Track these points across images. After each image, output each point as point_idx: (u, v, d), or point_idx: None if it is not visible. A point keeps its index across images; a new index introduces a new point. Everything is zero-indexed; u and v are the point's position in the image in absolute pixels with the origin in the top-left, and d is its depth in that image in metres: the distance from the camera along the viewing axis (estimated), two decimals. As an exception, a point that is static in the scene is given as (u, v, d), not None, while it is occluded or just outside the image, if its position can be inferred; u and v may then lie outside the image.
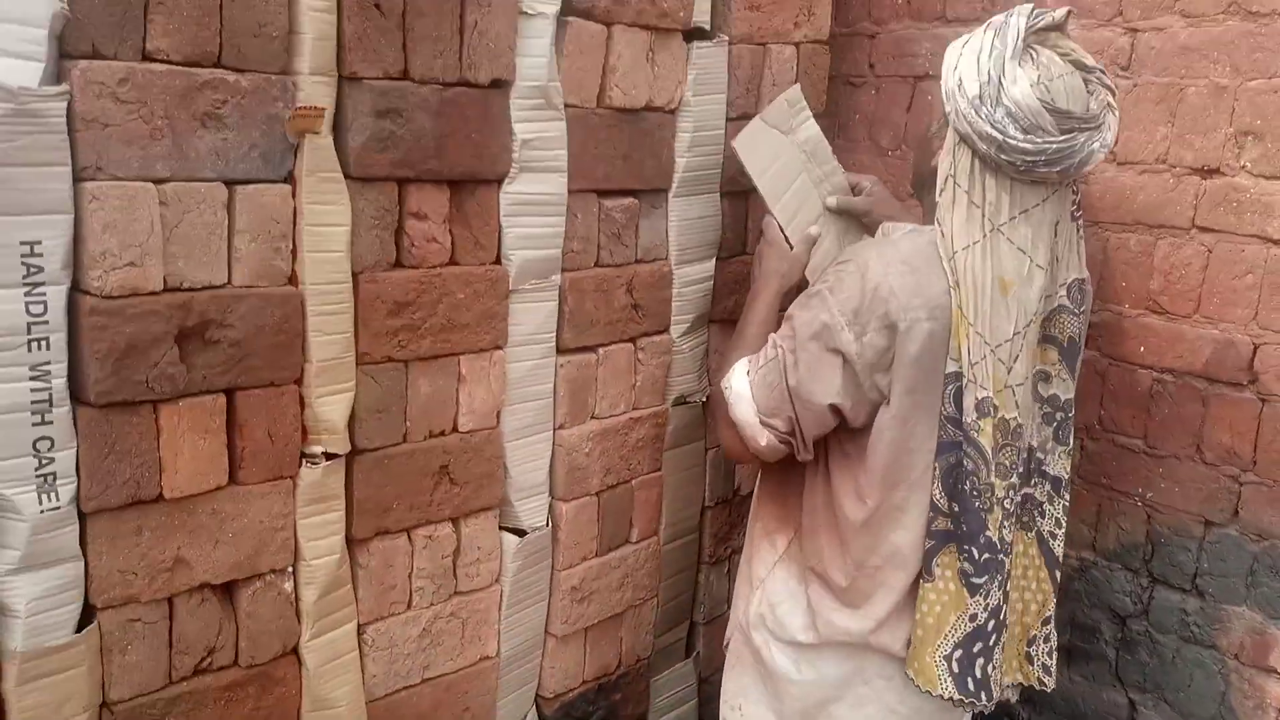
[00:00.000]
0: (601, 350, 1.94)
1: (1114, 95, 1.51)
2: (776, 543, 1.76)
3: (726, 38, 1.97)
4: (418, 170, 1.57)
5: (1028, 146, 1.42)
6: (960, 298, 1.47)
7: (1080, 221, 1.58)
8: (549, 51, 1.68)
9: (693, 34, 1.93)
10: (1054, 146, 1.42)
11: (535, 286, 1.79)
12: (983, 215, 1.48)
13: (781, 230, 1.85)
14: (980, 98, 1.44)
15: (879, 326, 1.50)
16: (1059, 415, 1.63)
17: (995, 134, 1.43)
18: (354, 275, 1.53)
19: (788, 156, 1.88)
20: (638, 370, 2.01)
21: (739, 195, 2.12)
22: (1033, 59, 1.44)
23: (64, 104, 1.19)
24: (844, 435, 1.60)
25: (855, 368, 1.52)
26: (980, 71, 1.45)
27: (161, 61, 1.28)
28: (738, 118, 2.03)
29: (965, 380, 1.49)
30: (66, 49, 1.20)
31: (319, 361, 1.50)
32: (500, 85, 1.64)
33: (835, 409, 1.56)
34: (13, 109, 1.14)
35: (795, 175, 1.87)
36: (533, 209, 1.74)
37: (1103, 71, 1.50)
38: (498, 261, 1.73)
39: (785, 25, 2.04)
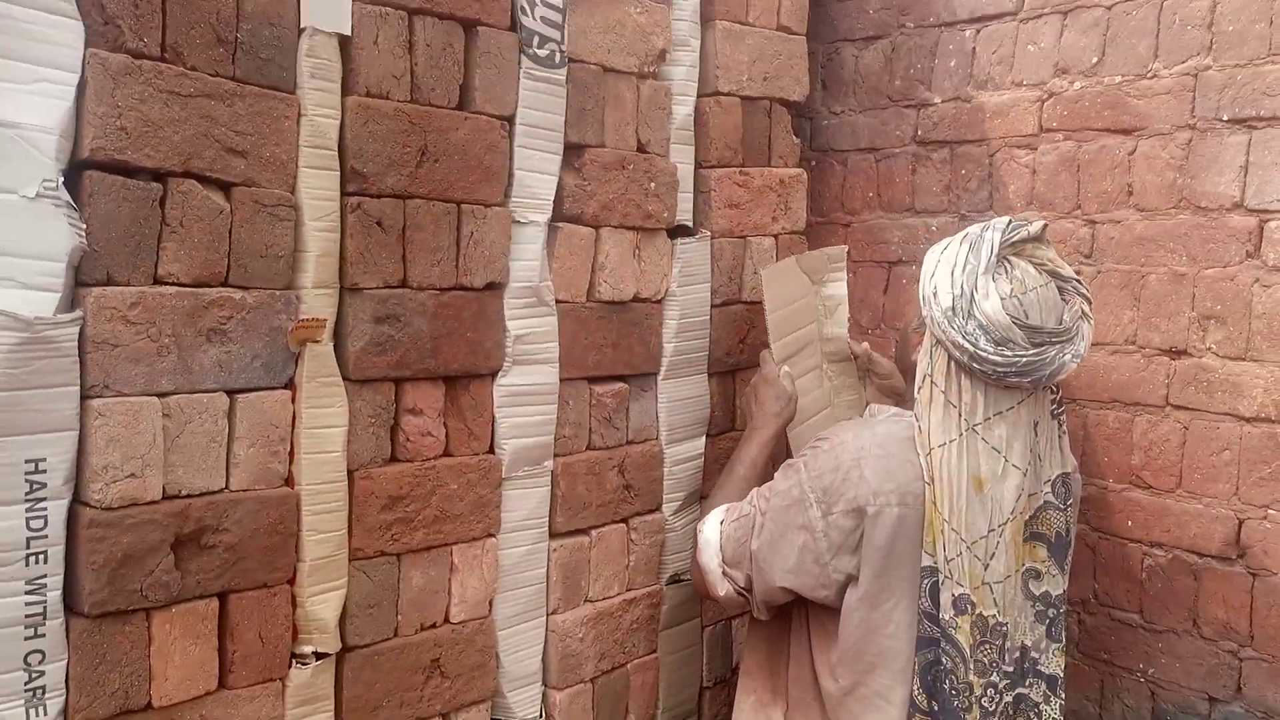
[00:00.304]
0: (594, 532, 1.96)
1: (1089, 304, 1.56)
2: (772, 716, 1.73)
3: (709, 232, 2.07)
4: (414, 370, 1.63)
5: (998, 359, 1.46)
6: (935, 493, 1.51)
7: (1062, 418, 1.61)
8: (541, 254, 1.77)
9: (677, 230, 2.03)
10: (1024, 359, 1.46)
11: (528, 473, 1.82)
12: (959, 415, 1.51)
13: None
14: (953, 310, 1.49)
15: (846, 509, 1.55)
16: (1051, 612, 1.63)
17: (967, 345, 1.47)
18: (349, 473, 1.57)
19: (805, 303, 2.00)
20: (631, 550, 2.02)
21: (726, 374, 2.18)
22: (1007, 272, 1.49)
23: (76, 329, 1.26)
24: (820, 608, 1.61)
25: (819, 547, 1.56)
26: (954, 284, 1.49)
27: (172, 284, 1.35)
28: (722, 304, 2.12)
29: (941, 576, 1.51)
30: (82, 278, 1.28)
31: (312, 560, 1.52)
32: (494, 287, 1.73)
33: (785, 590, 1.61)
34: (27, 338, 1.20)
35: (806, 322, 1.99)
36: (525, 399, 1.80)
37: (1079, 281, 1.55)
38: (491, 451, 1.77)
39: (764, 219, 2.16)
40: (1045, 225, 1.54)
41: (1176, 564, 1.88)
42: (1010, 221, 1.52)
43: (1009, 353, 1.46)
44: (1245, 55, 1.76)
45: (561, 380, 1.85)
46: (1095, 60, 1.90)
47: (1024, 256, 1.52)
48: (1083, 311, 1.54)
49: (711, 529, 1.72)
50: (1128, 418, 1.93)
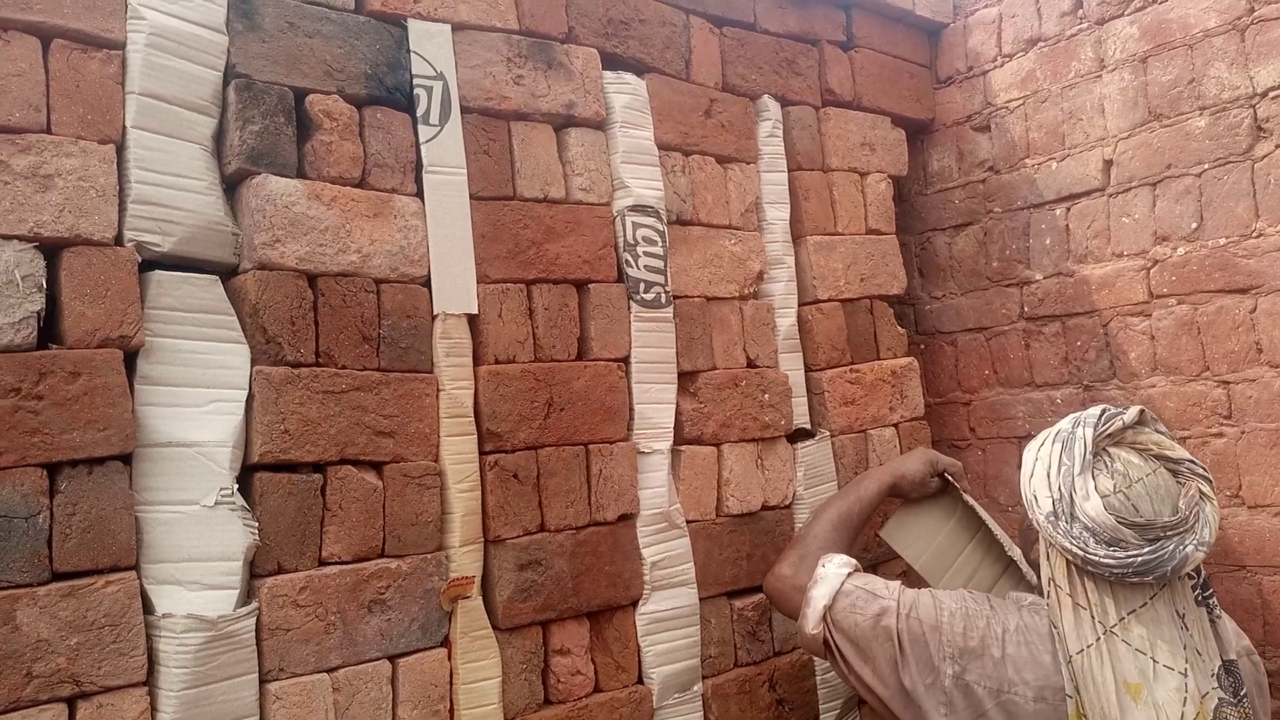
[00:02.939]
0: (752, 753, 1.91)
1: (1209, 483, 1.44)
2: None
3: (828, 432, 2.10)
4: (559, 610, 1.68)
5: (1110, 562, 1.38)
6: (1082, 704, 1.40)
7: (1213, 601, 1.47)
8: (667, 480, 1.83)
9: (796, 434, 2.07)
10: (1140, 559, 1.37)
11: (679, 700, 1.81)
12: (1092, 618, 1.41)
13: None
14: (1055, 514, 1.41)
15: (978, 680, 1.44)
16: None
17: (1076, 550, 1.39)
18: (505, 722, 1.60)
19: (949, 532, 1.89)
20: (792, 769, 1.96)
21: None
22: (1107, 466, 1.41)
23: (253, 620, 1.36)
24: None
25: (930, 696, 1.46)
26: (1051, 488, 1.42)
27: (335, 564, 1.46)
28: (852, 502, 2.11)
29: None
30: (256, 570, 1.39)
31: (478, 819, 1.53)
32: (627, 518, 1.79)
33: (863, 684, 1.52)
34: (212, 636, 1.30)
35: (957, 552, 1.89)
36: (668, 624, 1.81)
37: (1193, 461, 1.44)
38: (640, 681, 1.78)
39: (881, 411, 2.18)
40: (1143, 410, 1.45)
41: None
42: (1103, 412, 1.44)
43: (1121, 554, 1.37)
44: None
45: (701, 599, 1.87)
46: (1195, 226, 1.90)
47: (1125, 445, 1.44)
48: (1200, 494, 1.42)
49: (836, 571, 1.60)
50: (1307, 581, 1.81)
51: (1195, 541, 1.38)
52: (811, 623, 1.60)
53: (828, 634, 1.58)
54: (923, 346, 2.42)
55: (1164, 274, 1.94)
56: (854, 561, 1.65)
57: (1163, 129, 1.95)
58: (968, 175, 2.33)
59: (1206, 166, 1.89)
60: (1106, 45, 2.05)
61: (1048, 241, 2.15)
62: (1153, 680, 1.39)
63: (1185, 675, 1.39)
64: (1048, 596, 1.47)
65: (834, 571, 1.62)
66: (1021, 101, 2.21)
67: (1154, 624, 1.41)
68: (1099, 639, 1.41)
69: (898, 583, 1.59)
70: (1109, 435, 1.43)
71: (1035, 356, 2.15)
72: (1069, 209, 2.11)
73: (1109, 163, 2.04)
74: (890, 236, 2.28)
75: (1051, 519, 1.42)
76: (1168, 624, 1.41)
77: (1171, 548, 1.37)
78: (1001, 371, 2.26)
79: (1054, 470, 1.43)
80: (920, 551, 1.86)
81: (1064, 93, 2.12)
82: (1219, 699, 1.43)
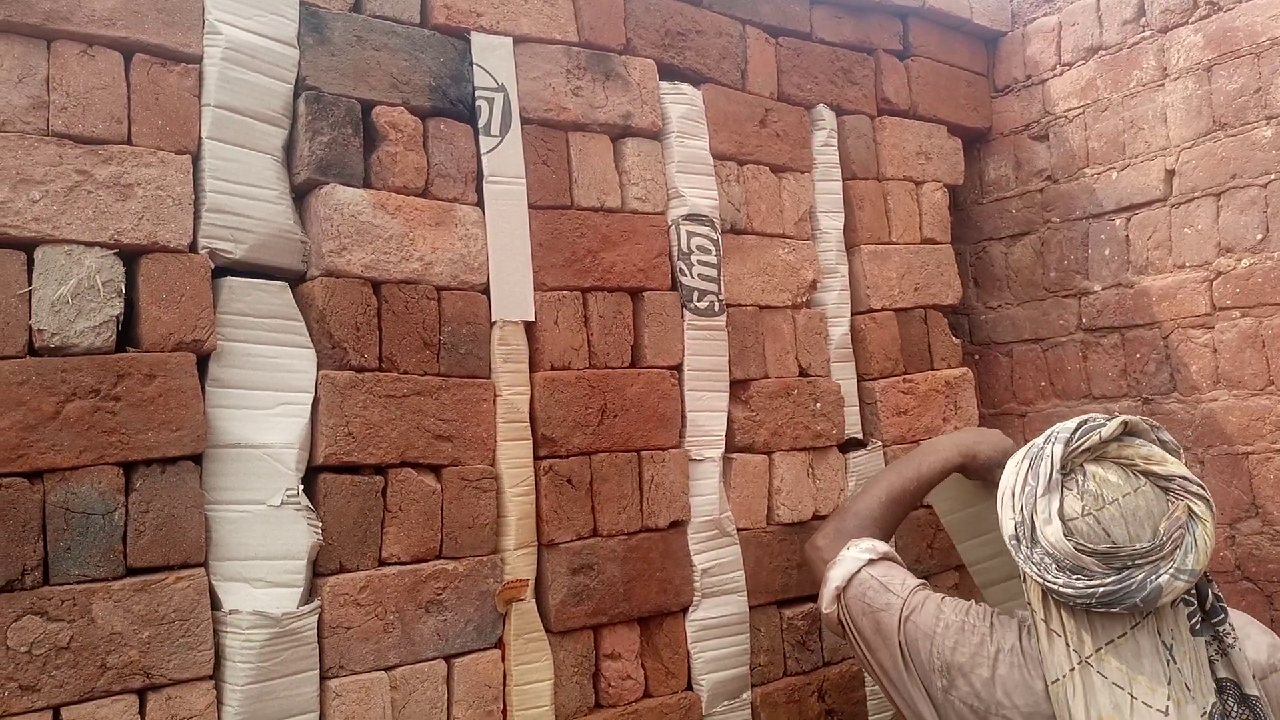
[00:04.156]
0: (801, 763, 1.91)
1: (1206, 503, 1.28)
2: None
3: (880, 442, 2.10)
4: (610, 615, 1.70)
5: (1071, 591, 1.26)
6: None
7: (1222, 630, 1.31)
8: (718, 487, 1.84)
9: (848, 444, 2.07)
10: (1102, 589, 1.25)
11: (728, 708, 1.82)
12: (1067, 646, 1.31)
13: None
14: (1017, 538, 1.32)
15: (965, 699, 1.37)
16: None
17: (1036, 577, 1.30)
18: (557, 726, 1.63)
19: (988, 506, 1.91)
20: (841, 780, 1.96)
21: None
22: (1077, 486, 1.29)
23: (315, 618, 1.40)
24: None
25: (920, 703, 1.42)
26: (1014, 509, 1.32)
27: (394, 564, 1.49)
28: (904, 512, 2.10)
29: None
30: (319, 569, 1.43)
31: (529, 819, 1.55)
32: (678, 525, 1.80)
33: (875, 676, 1.50)
34: (276, 633, 1.34)
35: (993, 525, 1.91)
36: (718, 631, 1.82)
37: (1186, 478, 1.28)
38: (689, 688, 1.79)
39: (934, 421, 2.16)
40: (1126, 422, 1.30)
41: None
42: (1079, 426, 1.31)
43: (1083, 583, 1.25)
44: None
45: (751, 608, 1.87)
46: (1260, 237, 1.86)
47: (1108, 460, 1.30)
48: (1191, 514, 1.27)
49: (856, 556, 1.56)
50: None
51: (1172, 570, 1.24)
52: (825, 601, 1.58)
53: (841, 615, 1.55)
54: (977, 357, 2.40)
55: (1227, 286, 1.91)
56: (882, 548, 1.59)
57: (1227, 138, 1.91)
58: (1025, 184, 2.31)
59: (1273, 177, 1.85)
60: (1170, 54, 2.02)
61: (1107, 252, 2.12)
62: (1129, 717, 1.27)
63: (1166, 714, 1.26)
64: (1031, 618, 1.38)
65: (854, 556, 1.57)
66: (1081, 110, 2.18)
67: (1134, 657, 1.28)
68: (1073, 669, 1.30)
69: (915, 582, 1.52)
70: (1085, 450, 1.30)
71: (1093, 368, 2.13)
72: (1129, 219, 2.08)
73: (1171, 172, 2.01)
74: (945, 246, 2.27)
75: (1014, 542, 1.32)
76: (1150, 657, 1.28)
77: (1140, 577, 1.24)
78: (1058, 383, 2.24)
79: (1018, 490, 1.33)
80: (952, 509, 1.86)
81: (1125, 101, 2.09)
82: None
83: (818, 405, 2.01)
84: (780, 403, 1.95)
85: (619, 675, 1.71)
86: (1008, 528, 1.33)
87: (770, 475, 1.94)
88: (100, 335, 1.29)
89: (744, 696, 1.85)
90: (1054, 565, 1.27)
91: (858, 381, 2.11)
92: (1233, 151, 1.90)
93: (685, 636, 1.80)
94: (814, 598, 1.98)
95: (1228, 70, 1.92)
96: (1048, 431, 1.35)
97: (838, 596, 1.55)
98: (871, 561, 1.55)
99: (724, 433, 1.87)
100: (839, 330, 2.08)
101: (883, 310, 2.14)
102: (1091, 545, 1.25)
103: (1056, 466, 1.30)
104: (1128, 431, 1.31)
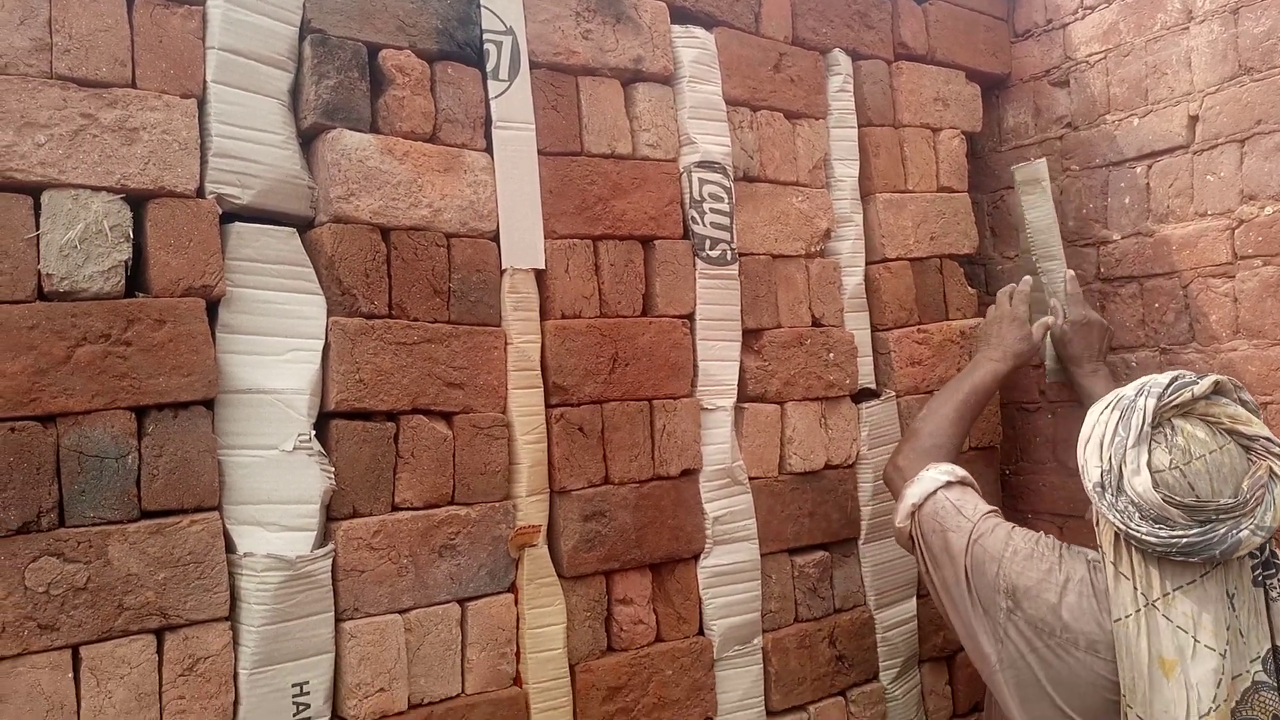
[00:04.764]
0: (812, 708, 1.93)
1: None
2: None
3: (894, 392, 2.09)
4: (622, 561, 1.71)
5: (1153, 540, 1.32)
6: (1119, 672, 1.36)
7: (1271, 584, 1.38)
8: (730, 436, 1.84)
9: (861, 394, 2.06)
10: (1185, 540, 1.30)
11: (739, 652, 1.84)
12: (1134, 589, 1.36)
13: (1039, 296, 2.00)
14: (1102, 486, 1.36)
15: (1030, 618, 1.44)
16: None
17: (1119, 524, 1.35)
18: (570, 668, 1.64)
19: (1051, 218, 2.05)
20: (852, 725, 1.98)
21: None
22: (1166, 439, 1.34)
23: (329, 561, 1.41)
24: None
25: (983, 634, 1.49)
26: (1102, 458, 1.37)
27: (407, 509, 1.50)
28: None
29: None
30: (332, 514, 1.44)
31: (542, 760, 1.58)
32: (690, 473, 1.80)
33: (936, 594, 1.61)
34: (290, 575, 1.36)
35: (1055, 242, 2.04)
36: (730, 578, 1.83)
37: (1270, 439, 1.34)
38: (701, 633, 1.81)
39: (949, 372, 2.15)
40: (1219, 381, 1.35)
41: None
42: (1173, 381, 1.35)
43: (1166, 533, 1.31)
44: None
45: (762, 555, 1.88)
46: (1284, 183, 1.82)
47: (1195, 416, 1.35)
48: (1272, 474, 1.32)
49: (934, 476, 1.64)
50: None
51: (1252, 526, 1.30)
52: (899, 516, 1.67)
53: (914, 530, 1.63)
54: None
55: (1250, 234, 1.87)
56: (960, 472, 1.67)
57: (1253, 83, 1.86)
58: (1044, 132, 2.27)
59: (1300, 122, 1.81)
60: (1195, -5, 1.96)
61: (1127, 200, 2.08)
62: (1190, 659, 1.33)
63: (1224, 657, 1.33)
64: (1102, 558, 1.43)
65: (932, 477, 1.65)
66: (1103, 55, 2.13)
67: (1201, 602, 1.34)
68: (1138, 610, 1.36)
69: (986, 508, 1.59)
70: (1175, 406, 1.35)
71: (1111, 318, 2.10)
72: (1150, 167, 2.04)
73: (1194, 119, 1.96)
74: (962, 194, 2.23)
75: (1098, 489, 1.37)
76: (1215, 603, 1.34)
77: (1223, 531, 1.30)
78: (1074, 333, 2.21)
79: (1107, 439, 1.37)
80: (1037, 205, 2.03)
81: (1148, 46, 2.04)
82: (1255, 681, 1.35)
83: (830, 355, 2.00)
84: (793, 352, 1.94)
85: (631, 620, 1.73)
86: (1093, 475, 1.38)
87: (782, 425, 1.94)
88: (109, 280, 1.29)
89: (755, 642, 1.86)
90: (1138, 514, 1.33)
91: (871, 331, 2.10)
92: (1259, 96, 1.86)
93: (697, 583, 1.81)
94: (825, 546, 2.00)
95: (1255, 12, 1.86)
96: (1139, 382, 1.39)
97: (912, 514, 1.64)
98: (949, 484, 1.63)
99: (736, 382, 1.87)
100: (853, 280, 2.06)
101: (898, 260, 2.11)
102: (1179, 498, 1.31)
103: (1148, 420, 1.34)
104: (1216, 390, 1.36)
